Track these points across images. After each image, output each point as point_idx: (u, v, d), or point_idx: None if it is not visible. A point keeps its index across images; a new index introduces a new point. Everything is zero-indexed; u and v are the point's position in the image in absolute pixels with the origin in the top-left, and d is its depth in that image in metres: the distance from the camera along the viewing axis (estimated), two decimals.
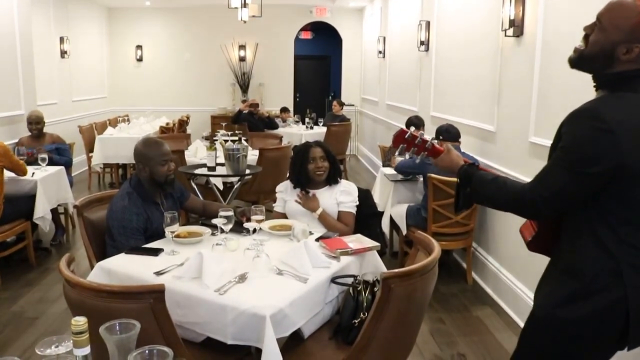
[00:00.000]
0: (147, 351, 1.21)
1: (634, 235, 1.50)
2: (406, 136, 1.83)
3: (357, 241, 2.65)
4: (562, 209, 1.57)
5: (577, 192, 1.51)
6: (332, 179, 3.21)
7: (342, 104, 9.23)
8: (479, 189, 1.70)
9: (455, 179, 1.80)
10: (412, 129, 1.89)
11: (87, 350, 1.19)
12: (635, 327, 1.50)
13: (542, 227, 1.70)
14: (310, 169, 3.16)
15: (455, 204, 1.83)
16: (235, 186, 4.98)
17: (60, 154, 5.29)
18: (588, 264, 1.52)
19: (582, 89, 2.88)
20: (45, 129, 5.41)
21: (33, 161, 4.87)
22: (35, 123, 5.23)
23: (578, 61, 1.60)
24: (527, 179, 3.21)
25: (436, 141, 1.88)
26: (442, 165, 1.84)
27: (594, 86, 1.60)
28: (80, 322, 1.17)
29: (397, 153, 1.90)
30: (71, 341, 1.21)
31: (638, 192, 1.49)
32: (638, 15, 1.49)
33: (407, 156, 1.93)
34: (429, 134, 1.89)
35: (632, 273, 1.48)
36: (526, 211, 1.61)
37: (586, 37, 1.58)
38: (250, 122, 8.14)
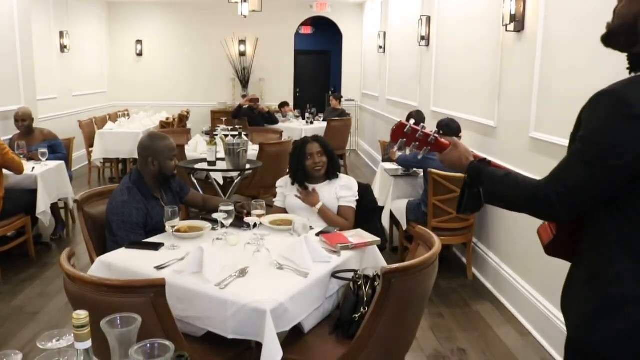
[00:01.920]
0: (148, 345, 1.21)
1: None
2: (405, 130, 1.63)
3: (358, 236, 2.65)
4: (581, 207, 1.36)
5: (598, 189, 1.31)
6: (331, 173, 3.21)
7: (338, 98, 9.26)
8: (489, 187, 1.50)
9: (457, 174, 1.67)
10: (412, 121, 1.67)
11: (88, 344, 1.18)
12: None
13: (560, 230, 1.50)
14: (308, 165, 3.17)
15: (458, 204, 1.62)
16: (236, 181, 4.98)
17: (54, 151, 5.13)
18: (617, 276, 1.31)
19: (583, 84, 2.88)
20: (44, 124, 5.37)
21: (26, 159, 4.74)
22: (22, 120, 5.07)
23: (607, 37, 1.40)
24: (528, 174, 3.21)
25: (439, 133, 1.65)
26: (449, 160, 1.61)
27: (627, 69, 1.38)
28: (81, 315, 1.17)
29: (395, 148, 1.73)
30: (72, 335, 1.21)
31: None
32: None
33: (407, 151, 1.73)
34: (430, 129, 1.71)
35: None
36: (540, 211, 1.40)
37: (615, 11, 1.40)
38: (251, 117, 8.14)
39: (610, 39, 1.39)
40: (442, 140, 1.63)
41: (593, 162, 1.29)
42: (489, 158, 1.60)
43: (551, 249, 1.55)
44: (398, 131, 1.64)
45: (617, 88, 1.29)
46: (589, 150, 1.30)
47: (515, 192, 1.43)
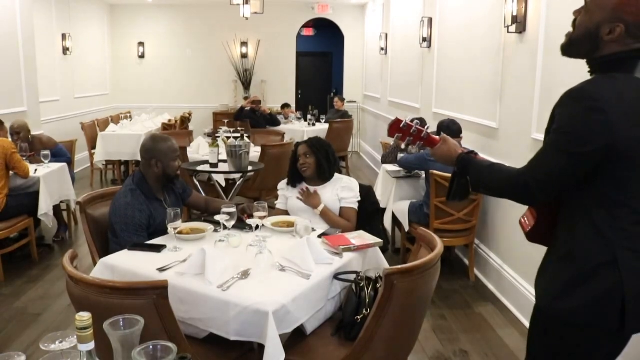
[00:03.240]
0: (151, 347, 1.22)
1: (628, 219, 1.47)
2: (401, 125, 1.81)
3: (360, 237, 2.65)
4: (556, 191, 1.54)
5: (570, 174, 1.48)
6: (322, 174, 3.20)
7: (342, 100, 9.30)
8: (476, 176, 1.68)
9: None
10: (408, 118, 1.86)
11: (91, 345, 1.19)
12: (632, 312, 1.46)
13: (541, 217, 1.66)
14: (298, 166, 3.20)
15: (448, 193, 1.81)
16: (238, 183, 4.99)
17: (56, 156, 5.08)
18: (583, 250, 1.50)
19: None
20: (47, 127, 5.38)
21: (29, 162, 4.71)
22: (17, 133, 4.94)
23: (568, 47, 1.58)
24: None
25: (440, 134, 1.85)
26: (440, 154, 1.79)
27: (588, 72, 1.57)
28: (84, 317, 1.17)
29: (392, 143, 1.88)
30: (75, 337, 1.22)
31: (630, 174, 1.46)
32: None
33: (403, 146, 1.90)
34: (431, 132, 1.89)
35: (627, 257, 1.46)
36: (520, 195, 1.57)
37: (575, 22, 1.56)
38: (253, 119, 8.15)
39: (573, 48, 1.57)
40: (433, 136, 1.82)
41: (565, 149, 1.46)
42: (489, 158, 1.69)
43: (532, 236, 1.72)
44: (395, 126, 1.82)
45: (584, 86, 1.48)
46: (561, 139, 1.48)
47: (499, 180, 1.62)
